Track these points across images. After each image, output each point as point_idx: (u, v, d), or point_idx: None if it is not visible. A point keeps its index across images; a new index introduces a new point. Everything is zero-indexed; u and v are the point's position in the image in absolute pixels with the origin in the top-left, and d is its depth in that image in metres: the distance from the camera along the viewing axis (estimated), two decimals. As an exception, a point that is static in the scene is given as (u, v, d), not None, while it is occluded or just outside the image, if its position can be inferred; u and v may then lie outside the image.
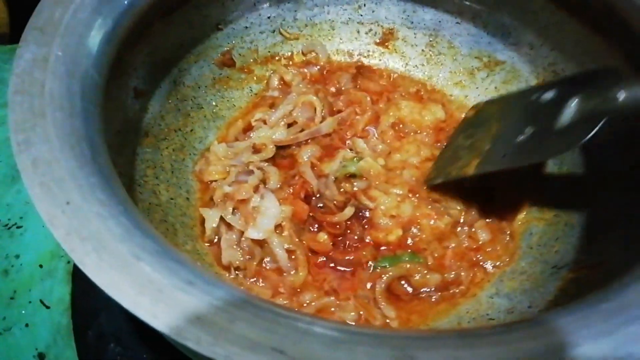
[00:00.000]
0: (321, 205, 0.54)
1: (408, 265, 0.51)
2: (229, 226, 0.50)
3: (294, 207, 0.52)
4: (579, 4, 0.53)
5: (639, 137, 0.48)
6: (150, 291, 0.27)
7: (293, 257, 0.50)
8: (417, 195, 0.55)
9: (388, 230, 0.53)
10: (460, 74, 0.64)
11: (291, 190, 0.54)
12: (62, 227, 0.29)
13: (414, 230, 0.53)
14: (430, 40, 0.64)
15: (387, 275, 0.50)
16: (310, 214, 0.53)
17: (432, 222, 0.53)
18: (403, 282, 0.51)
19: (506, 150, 0.49)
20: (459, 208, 0.55)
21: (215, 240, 0.51)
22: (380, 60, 0.67)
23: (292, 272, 0.50)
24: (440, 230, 0.53)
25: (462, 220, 0.54)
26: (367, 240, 0.53)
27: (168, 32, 0.54)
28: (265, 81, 0.64)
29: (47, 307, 0.56)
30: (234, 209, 0.51)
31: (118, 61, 0.45)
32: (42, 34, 0.39)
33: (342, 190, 0.55)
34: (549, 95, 0.49)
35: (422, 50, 0.65)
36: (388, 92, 0.64)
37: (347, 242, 0.52)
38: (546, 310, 0.45)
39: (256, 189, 0.52)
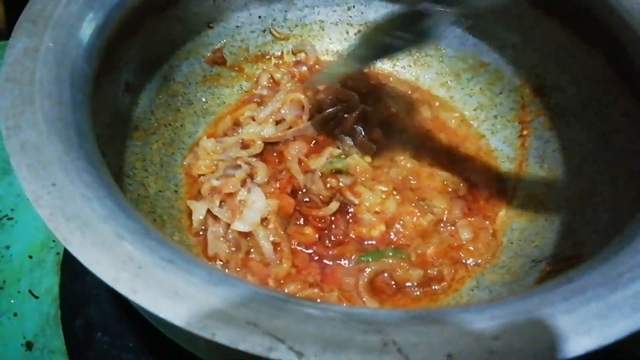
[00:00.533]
0: (307, 199, 0.55)
1: (391, 261, 0.51)
2: (216, 219, 0.51)
3: (280, 201, 0.53)
4: (561, 10, 0.54)
5: (616, 132, 0.49)
6: (130, 267, 0.28)
7: (278, 249, 0.51)
8: (402, 193, 0.56)
9: (371, 226, 0.53)
10: (446, 75, 0.65)
11: (278, 185, 0.55)
12: (47, 207, 0.30)
13: (397, 226, 0.54)
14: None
15: (370, 269, 0.51)
16: (297, 208, 0.54)
17: (414, 219, 0.54)
18: (386, 275, 0.52)
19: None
20: (442, 207, 0.56)
21: (202, 232, 0.52)
22: (369, 61, 0.68)
23: (277, 263, 0.51)
24: (423, 227, 0.54)
25: (445, 219, 0.55)
26: (351, 236, 0.53)
27: (159, 29, 0.56)
28: (255, 79, 0.65)
29: (36, 297, 0.57)
30: (221, 202, 0.52)
31: (109, 55, 0.46)
32: (34, 25, 0.40)
33: (328, 185, 0.56)
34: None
35: (410, 52, 0.66)
36: (377, 91, 0.65)
37: (332, 237, 0.53)
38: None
39: (243, 183, 0.53)
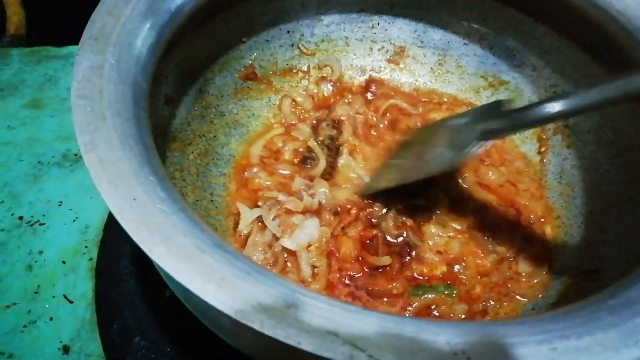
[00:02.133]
0: (369, 241, 0.55)
1: (439, 296, 0.52)
2: (261, 228, 0.53)
3: (341, 243, 0.54)
4: (579, 32, 0.57)
5: (632, 152, 0.52)
6: (214, 279, 0.30)
7: (315, 270, 0.53)
8: (472, 232, 0.56)
9: (433, 266, 0.54)
10: (466, 92, 0.68)
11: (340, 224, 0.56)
12: (132, 221, 0.32)
13: (458, 266, 0.54)
14: (439, 59, 0.69)
15: (416, 303, 0.51)
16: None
17: (478, 260, 0.55)
18: (432, 308, 0.52)
19: (416, 166, 0.54)
20: (507, 243, 0.56)
21: (241, 236, 0.54)
22: (390, 76, 0.71)
23: (309, 280, 0.52)
24: (485, 268, 0.55)
25: (508, 255, 0.55)
26: (405, 274, 0.54)
27: (197, 43, 0.57)
28: (282, 94, 0.67)
29: (71, 302, 0.58)
30: (275, 216, 0.54)
31: (155, 70, 0.48)
32: (97, 42, 0.42)
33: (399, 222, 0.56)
34: (460, 121, 0.53)
35: (431, 68, 0.69)
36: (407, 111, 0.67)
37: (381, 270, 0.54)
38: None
39: (305, 211, 0.55)
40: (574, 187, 0.58)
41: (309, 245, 0.53)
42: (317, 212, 0.55)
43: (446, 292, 0.52)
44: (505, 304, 0.52)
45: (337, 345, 0.28)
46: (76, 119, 0.36)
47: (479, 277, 0.54)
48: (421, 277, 0.53)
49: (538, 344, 0.29)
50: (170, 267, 0.30)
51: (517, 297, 0.53)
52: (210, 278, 0.30)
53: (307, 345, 0.28)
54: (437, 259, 0.54)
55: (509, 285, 0.53)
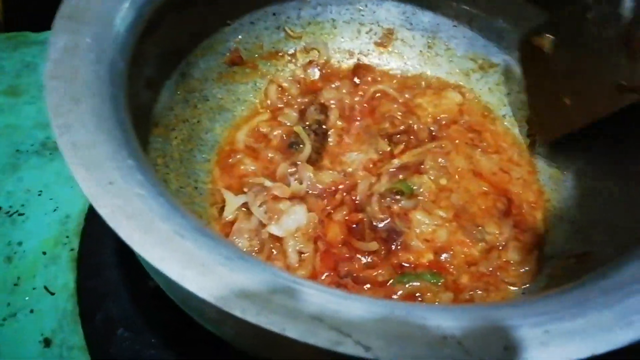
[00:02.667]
0: (355, 225, 0.54)
1: (425, 284, 0.51)
2: (247, 214, 0.51)
3: (328, 229, 0.53)
4: (570, 11, 0.56)
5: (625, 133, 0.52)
6: (194, 265, 0.28)
7: (302, 256, 0.52)
8: (459, 220, 0.55)
9: (419, 254, 0.53)
10: (455, 75, 0.67)
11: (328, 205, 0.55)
12: (107, 206, 0.30)
13: (445, 255, 0.53)
14: (428, 42, 0.67)
15: (402, 291, 0.50)
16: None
17: (466, 249, 0.54)
18: (417, 295, 0.51)
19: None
20: (496, 232, 0.55)
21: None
22: (379, 59, 0.69)
23: (295, 266, 0.51)
24: (473, 257, 0.53)
25: (497, 244, 0.54)
26: (394, 262, 0.52)
27: (179, 25, 0.55)
28: (268, 78, 0.66)
29: (52, 294, 0.57)
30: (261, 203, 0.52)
31: (135, 52, 0.46)
32: (71, 21, 0.40)
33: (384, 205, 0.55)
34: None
35: (420, 51, 0.68)
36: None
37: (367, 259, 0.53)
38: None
39: (292, 197, 0.54)
40: (564, 170, 0.57)
41: (296, 231, 0.52)
42: (303, 197, 0.54)
43: (432, 281, 0.51)
44: (493, 294, 0.51)
45: (323, 331, 0.27)
46: (49, 101, 0.34)
47: (467, 266, 0.53)
48: (407, 265, 0.52)
49: (531, 326, 0.28)
50: (148, 253, 0.29)
51: (507, 286, 0.52)
52: (190, 264, 0.29)
53: (291, 331, 0.26)
54: (423, 247, 0.53)
55: (498, 274, 0.52)
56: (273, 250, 0.52)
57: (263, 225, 0.51)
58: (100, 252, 0.57)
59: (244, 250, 0.51)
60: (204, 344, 0.49)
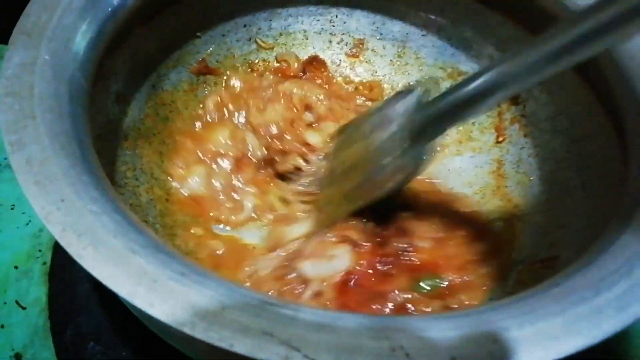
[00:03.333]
0: None
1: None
2: None
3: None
4: (536, 21, 0.57)
5: (587, 139, 0.52)
6: (146, 282, 0.29)
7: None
8: None
9: None
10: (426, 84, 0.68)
11: None
12: (58, 224, 0.30)
13: None
14: (398, 51, 0.68)
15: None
16: None
17: None
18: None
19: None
20: None
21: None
22: (351, 69, 0.70)
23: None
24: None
25: None
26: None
27: (148, 38, 0.56)
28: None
29: (23, 308, 0.56)
30: None
31: (100, 65, 0.46)
32: (30, 38, 0.40)
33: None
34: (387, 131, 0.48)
35: (390, 60, 0.69)
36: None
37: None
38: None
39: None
40: (531, 175, 0.58)
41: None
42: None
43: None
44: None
45: (272, 346, 0.27)
46: (2, 117, 0.34)
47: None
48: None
49: (479, 336, 0.28)
50: (98, 271, 0.29)
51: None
52: (141, 281, 0.29)
53: (239, 347, 0.27)
54: None
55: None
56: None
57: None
58: (73, 266, 0.57)
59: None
60: (173, 358, 0.49)
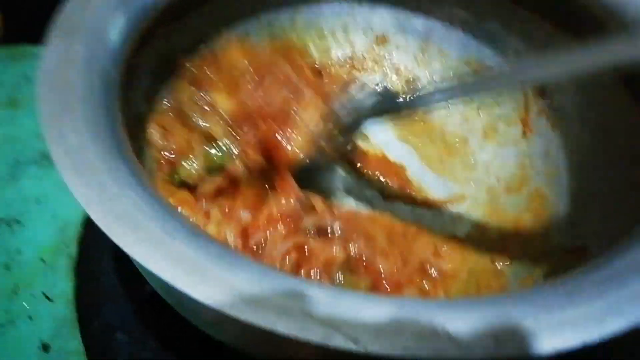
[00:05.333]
0: None
1: None
2: None
3: None
4: (561, 14, 0.57)
5: (616, 132, 0.52)
6: (186, 265, 0.29)
7: None
8: None
9: None
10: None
11: None
12: (98, 209, 0.31)
13: None
14: (422, 46, 0.68)
15: None
16: None
17: None
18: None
19: None
20: None
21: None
22: (373, 64, 0.70)
23: None
24: None
25: None
26: None
27: (176, 36, 0.56)
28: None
29: (51, 300, 0.57)
30: None
31: (130, 61, 0.47)
32: (65, 33, 0.41)
33: None
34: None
35: (414, 55, 0.69)
36: None
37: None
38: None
39: None
40: (559, 167, 0.57)
41: None
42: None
43: None
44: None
45: (314, 326, 0.27)
46: (41, 110, 0.35)
47: None
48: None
49: (521, 318, 0.28)
50: (138, 254, 0.29)
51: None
52: (182, 264, 0.29)
53: (282, 327, 0.27)
54: None
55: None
56: None
57: None
58: (98, 259, 0.58)
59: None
60: (202, 347, 0.49)
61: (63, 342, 0.54)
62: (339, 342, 0.26)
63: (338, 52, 0.70)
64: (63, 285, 0.58)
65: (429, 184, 0.63)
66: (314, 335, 0.26)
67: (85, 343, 0.53)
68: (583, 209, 0.51)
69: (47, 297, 0.57)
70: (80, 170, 0.32)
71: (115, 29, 0.43)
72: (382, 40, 0.69)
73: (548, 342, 0.27)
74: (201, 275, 0.29)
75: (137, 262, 0.30)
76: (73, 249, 0.61)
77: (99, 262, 0.58)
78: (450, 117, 0.66)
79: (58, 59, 0.38)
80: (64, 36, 0.40)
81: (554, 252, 0.51)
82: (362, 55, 0.70)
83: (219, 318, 0.29)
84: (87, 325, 0.54)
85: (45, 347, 0.54)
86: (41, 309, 0.56)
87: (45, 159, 0.69)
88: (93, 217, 0.30)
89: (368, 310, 0.28)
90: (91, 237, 0.60)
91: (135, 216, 0.31)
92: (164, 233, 0.30)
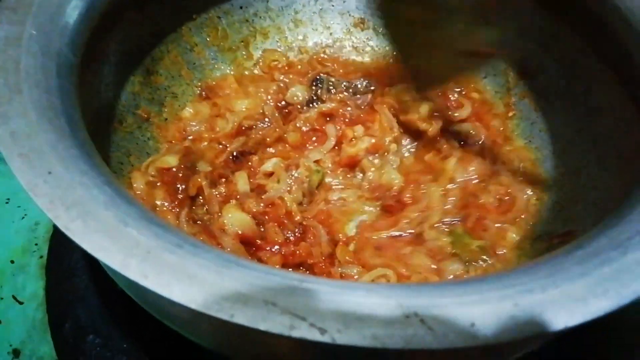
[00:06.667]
0: None
1: None
2: None
3: None
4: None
5: (601, 112, 0.50)
6: (138, 253, 0.27)
7: None
8: None
9: None
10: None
11: None
12: (45, 196, 0.28)
13: None
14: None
15: None
16: None
17: None
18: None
19: None
20: None
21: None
22: (352, 48, 0.68)
23: None
24: None
25: None
26: None
27: (142, 21, 0.54)
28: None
29: (21, 303, 0.55)
30: None
31: (92, 47, 0.45)
32: (15, 13, 0.38)
33: None
34: None
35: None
36: None
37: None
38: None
39: None
40: (544, 150, 0.55)
41: None
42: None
43: None
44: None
45: (275, 315, 0.25)
46: (-14, 91, 0.33)
47: None
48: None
49: (499, 300, 0.26)
50: (87, 243, 0.27)
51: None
52: (134, 252, 0.27)
53: (240, 317, 0.25)
54: None
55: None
56: None
57: None
58: (69, 257, 0.55)
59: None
60: (175, 347, 0.47)
61: (34, 346, 0.52)
62: (304, 333, 0.24)
63: (314, 37, 0.67)
64: (33, 286, 0.56)
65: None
66: (276, 326, 0.24)
67: (57, 347, 0.51)
68: (570, 192, 0.50)
69: (17, 300, 0.55)
70: (27, 156, 0.30)
71: (72, 9, 0.41)
72: (359, 24, 0.67)
73: (528, 325, 0.25)
74: (155, 264, 0.26)
75: (90, 253, 0.28)
76: (44, 248, 0.58)
77: (70, 261, 0.55)
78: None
79: (6, 39, 0.36)
80: (13, 16, 0.37)
81: (541, 238, 0.49)
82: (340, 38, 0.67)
83: (178, 310, 0.27)
84: (58, 328, 0.52)
85: (15, 353, 0.51)
86: (11, 313, 0.54)
87: (14, 158, 0.66)
88: (40, 205, 0.28)
89: (339, 298, 0.26)
90: (62, 235, 0.57)
91: (87, 204, 0.29)
92: (117, 221, 0.28)
